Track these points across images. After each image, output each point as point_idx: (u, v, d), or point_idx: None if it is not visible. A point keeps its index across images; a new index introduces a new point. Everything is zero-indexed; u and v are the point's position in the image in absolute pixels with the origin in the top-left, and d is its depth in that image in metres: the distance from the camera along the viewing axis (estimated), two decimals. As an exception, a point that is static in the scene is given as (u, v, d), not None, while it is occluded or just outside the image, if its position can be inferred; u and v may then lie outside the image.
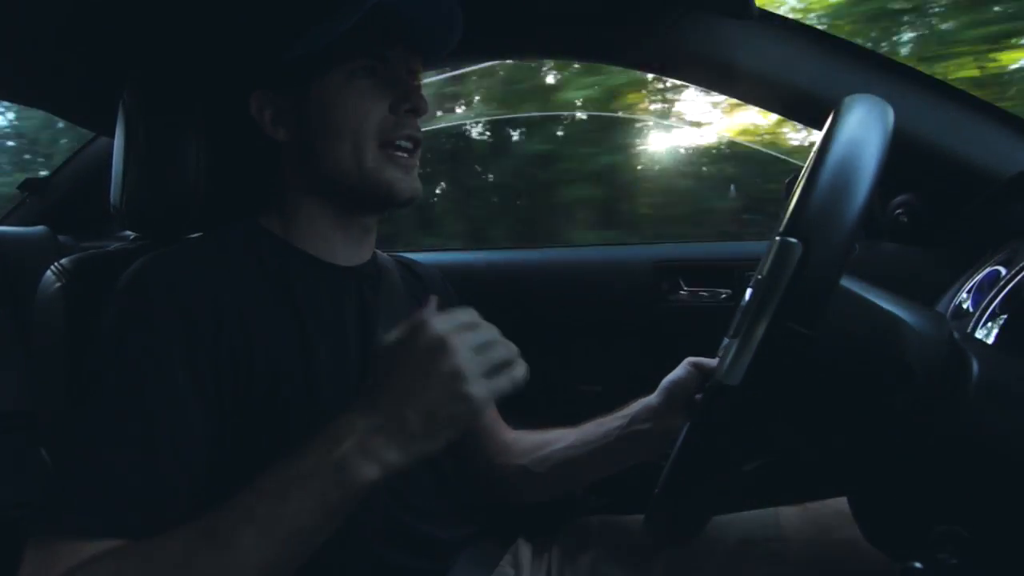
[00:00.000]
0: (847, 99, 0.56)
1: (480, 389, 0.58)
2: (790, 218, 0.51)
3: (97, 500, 0.60)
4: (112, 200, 0.88)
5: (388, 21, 0.79)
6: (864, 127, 0.52)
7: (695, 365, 0.88)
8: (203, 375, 0.67)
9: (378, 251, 0.92)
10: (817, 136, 0.65)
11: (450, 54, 0.86)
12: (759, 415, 0.52)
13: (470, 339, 0.60)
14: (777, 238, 0.51)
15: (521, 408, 1.07)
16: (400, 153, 0.79)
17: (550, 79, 2.65)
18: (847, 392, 0.56)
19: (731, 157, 2.46)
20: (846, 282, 0.54)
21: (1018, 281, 0.77)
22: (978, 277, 0.89)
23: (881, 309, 0.57)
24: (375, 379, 0.61)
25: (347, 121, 0.77)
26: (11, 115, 3.56)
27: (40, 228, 1.64)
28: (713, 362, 0.85)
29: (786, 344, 0.48)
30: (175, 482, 0.63)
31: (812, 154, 0.59)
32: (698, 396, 0.85)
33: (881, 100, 0.55)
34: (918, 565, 0.53)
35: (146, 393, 0.64)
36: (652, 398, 0.90)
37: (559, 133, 2.73)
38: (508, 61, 2.50)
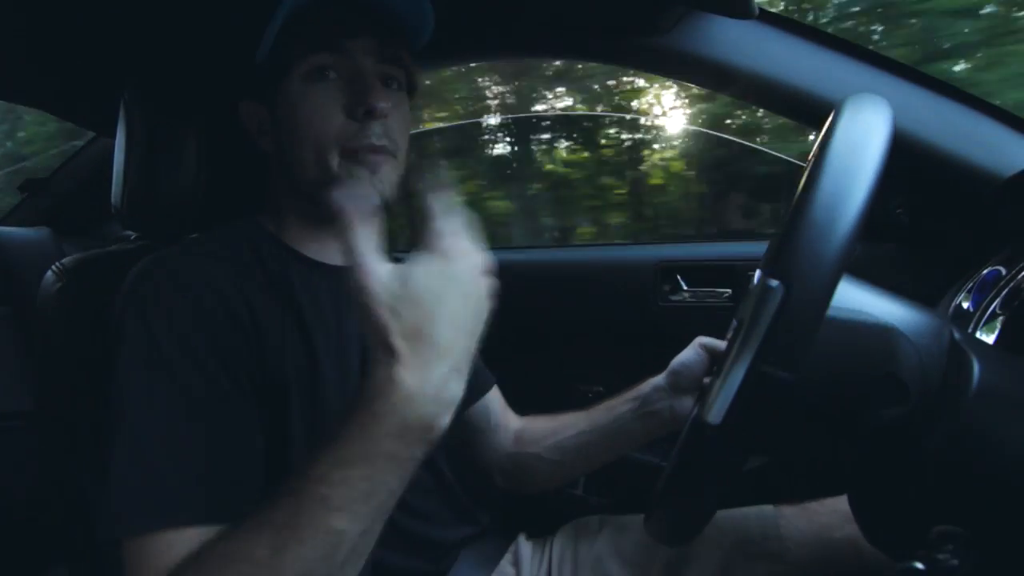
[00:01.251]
0: (844, 106, 0.54)
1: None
2: (772, 258, 0.50)
3: (173, 491, 0.60)
4: (113, 200, 0.88)
5: (345, 10, 0.74)
6: (855, 153, 0.50)
7: (704, 347, 0.89)
8: (228, 361, 0.67)
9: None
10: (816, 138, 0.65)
11: (451, 53, 0.85)
12: (741, 451, 0.52)
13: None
14: (759, 275, 0.50)
15: (523, 408, 1.08)
16: (366, 155, 0.74)
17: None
18: (838, 418, 0.56)
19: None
20: (843, 283, 0.54)
21: (1018, 281, 0.77)
22: (978, 277, 0.89)
23: (870, 326, 0.56)
24: (403, 309, 0.51)
25: (307, 130, 0.74)
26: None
27: (41, 229, 1.64)
28: (722, 344, 0.86)
29: (766, 387, 0.48)
30: (234, 462, 0.64)
31: (805, 172, 0.57)
32: (706, 380, 0.85)
33: (880, 105, 0.54)
34: (919, 566, 0.53)
35: (183, 383, 0.64)
36: (660, 378, 0.91)
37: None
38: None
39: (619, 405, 0.94)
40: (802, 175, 0.58)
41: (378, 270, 0.51)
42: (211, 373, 0.65)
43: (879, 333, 0.56)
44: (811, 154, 0.63)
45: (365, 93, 0.73)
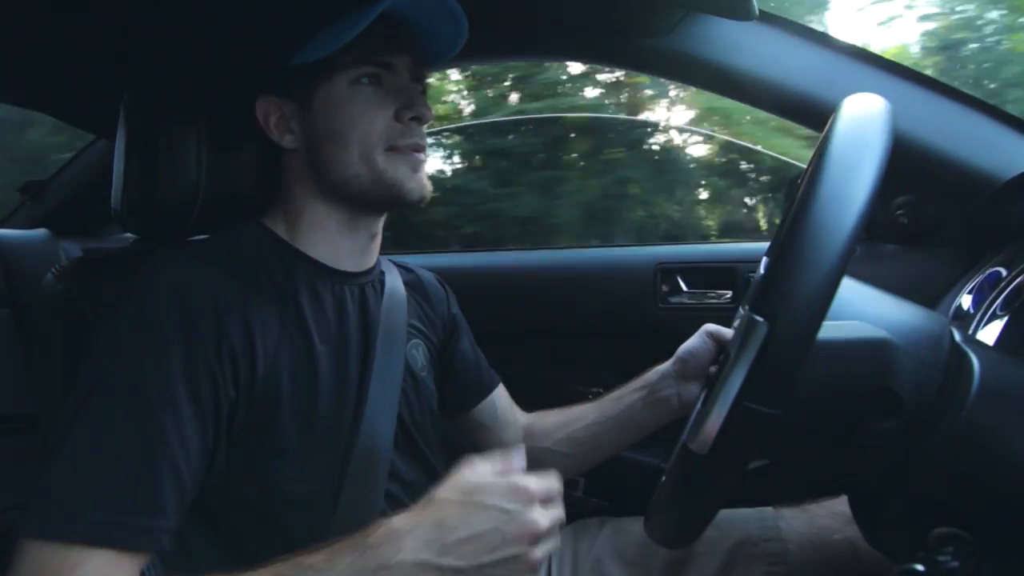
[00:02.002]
0: (842, 111, 0.53)
1: (543, 553, 0.59)
2: (759, 293, 0.50)
3: (85, 507, 0.59)
4: (113, 202, 0.88)
5: (392, 29, 0.78)
6: (848, 175, 0.48)
7: (711, 334, 0.90)
8: (200, 385, 0.66)
9: (381, 256, 0.92)
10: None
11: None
12: (728, 478, 0.52)
13: (551, 513, 0.60)
14: (746, 309, 0.50)
15: (522, 408, 1.08)
16: (410, 154, 0.79)
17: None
18: (831, 435, 0.57)
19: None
20: (842, 287, 0.53)
21: (1019, 282, 0.77)
22: (979, 278, 0.89)
23: (863, 343, 0.55)
24: (446, 517, 0.58)
25: (352, 129, 0.77)
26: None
27: (41, 231, 1.64)
28: (729, 332, 0.86)
29: (750, 422, 0.48)
30: (165, 493, 0.63)
31: (799, 194, 0.56)
32: (712, 368, 0.85)
33: (880, 107, 0.53)
34: (919, 568, 0.53)
35: (143, 400, 0.63)
36: (667, 365, 0.92)
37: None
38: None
39: (628, 394, 0.95)
40: (798, 191, 0.57)
41: (475, 461, 0.60)
42: (176, 400, 0.64)
43: (873, 349, 0.55)
44: (809, 165, 0.63)
45: (415, 100, 0.79)
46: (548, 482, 0.61)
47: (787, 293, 0.47)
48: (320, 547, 0.59)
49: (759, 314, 0.47)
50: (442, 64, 0.89)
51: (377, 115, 0.77)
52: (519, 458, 0.62)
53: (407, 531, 0.58)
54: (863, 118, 0.53)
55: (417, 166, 0.80)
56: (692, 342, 0.91)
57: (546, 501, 0.60)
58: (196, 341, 0.66)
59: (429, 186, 0.82)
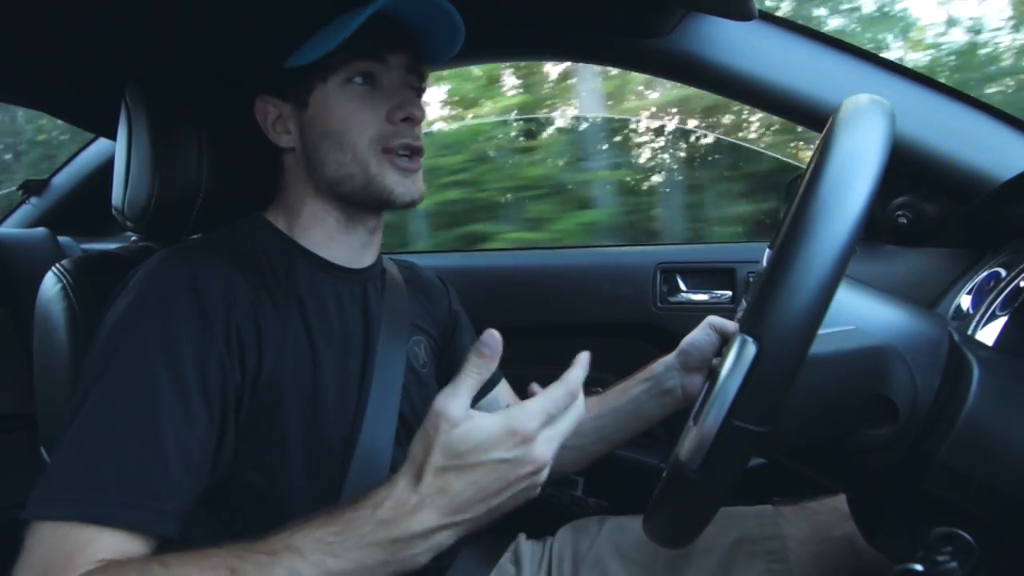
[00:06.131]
0: (842, 112, 0.53)
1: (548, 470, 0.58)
2: (749, 315, 0.51)
3: (95, 488, 0.59)
4: (114, 201, 0.88)
5: (388, 26, 0.79)
6: (842, 190, 0.47)
7: (714, 326, 0.91)
8: (209, 371, 0.66)
9: (381, 253, 0.92)
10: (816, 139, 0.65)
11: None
12: (720, 492, 0.52)
13: (553, 433, 0.57)
14: (736, 330, 0.50)
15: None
16: (401, 159, 0.79)
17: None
18: (823, 443, 0.57)
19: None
20: (840, 291, 0.53)
21: (1018, 282, 0.77)
22: (978, 278, 0.89)
23: (858, 352, 0.55)
24: (448, 485, 0.55)
25: (345, 131, 0.78)
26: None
27: (41, 229, 1.64)
28: (732, 325, 0.87)
29: (740, 439, 0.48)
30: (178, 475, 0.63)
31: (803, 181, 0.56)
32: (715, 360, 0.86)
33: (880, 108, 0.53)
34: (918, 567, 0.53)
35: (155, 385, 0.63)
36: (671, 357, 0.94)
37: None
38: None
39: (632, 386, 0.97)
40: (793, 201, 0.57)
41: (455, 407, 0.55)
42: (185, 385, 0.64)
43: (866, 358, 0.55)
44: (808, 166, 0.62)
45: (406, 101, 0.79)
46: (551, 396, 0.57)
47: (776, 315, 0.47)
48: (325, 518, 0.57)
49: (749, 334, 0.48)
50: (442, 63, 0.89)
51: (369, 116, 0.78)
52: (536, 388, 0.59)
53: (415, 505, 0.55)
54: (863, 120, 0.52)
55: (410, 171, 0.80)
56: (695, 334, 0.92)
57: (548, 420, 0.56)
58: (207, 327, 0.67)
59: (422, 189, 0.82)
